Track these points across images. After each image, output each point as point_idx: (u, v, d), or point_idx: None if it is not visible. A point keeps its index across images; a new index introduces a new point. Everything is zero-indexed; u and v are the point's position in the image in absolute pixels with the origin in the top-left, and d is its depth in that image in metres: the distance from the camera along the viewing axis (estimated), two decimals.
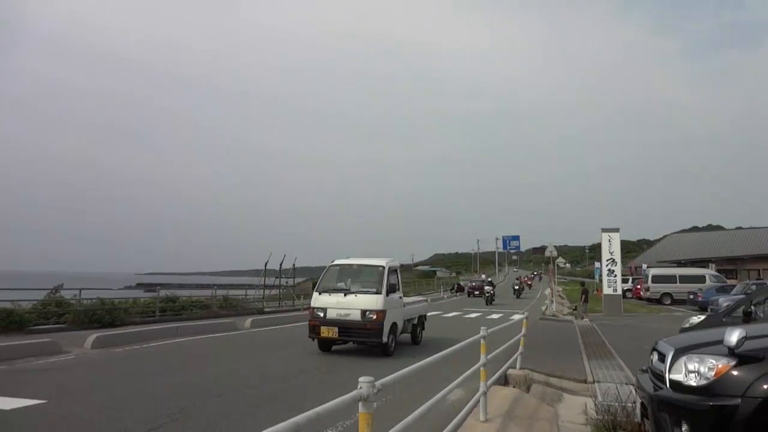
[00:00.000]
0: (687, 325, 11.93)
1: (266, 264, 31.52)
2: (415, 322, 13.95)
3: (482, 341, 6.04)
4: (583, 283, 40.96)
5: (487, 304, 33.58)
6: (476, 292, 42.73)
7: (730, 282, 31.91)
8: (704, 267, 39.31)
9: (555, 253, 32.83)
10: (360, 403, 2.64)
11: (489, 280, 42.23)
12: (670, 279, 34.56)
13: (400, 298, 12.67)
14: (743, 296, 12.40)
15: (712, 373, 4.01)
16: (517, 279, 52.53)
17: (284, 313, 24.16)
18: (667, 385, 4.37)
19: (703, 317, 12.16)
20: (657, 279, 34.93)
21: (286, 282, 33.34)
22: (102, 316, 16.92)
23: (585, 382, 8.83)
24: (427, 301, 17.78)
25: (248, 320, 18.16)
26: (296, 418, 2.04)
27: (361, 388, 2.63)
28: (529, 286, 65.57)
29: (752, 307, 9.76)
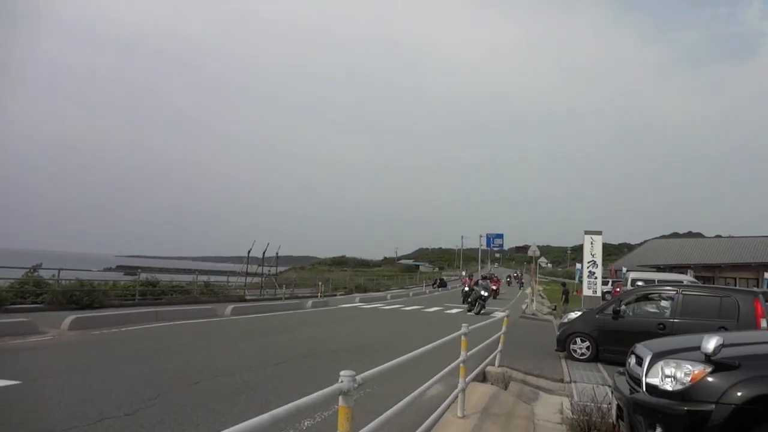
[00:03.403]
0: (566, 320, 12.65)
1: (249, 252, 31.38)
2: None
3: (463, 338, 6.07)
4: (564, 284, 41.40)
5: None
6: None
7: None
8: (683, 273, 39.83)
9: (538, 253, 33.09)
10: (340, 397, 2.63)
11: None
12: (648, 283, 34.98)
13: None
14: None
15: (688, 379, 4.07)
16: (464, 275, 33.66)
17: (266, 302, 24.08)
18: (644, 389, 4.43)
19: (579, 313, 12.93)
20: (636, 282, 35.32)
21: (269, 270, 33.23)
22: (80, 297, 16.74)
23: (562, 381, 8.93)
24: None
25: (229, 307, 18.07)
26: (275, 411, 2.02)
27: (342, 381, 2.62)
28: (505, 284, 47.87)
29: (622, 306, 10.84)
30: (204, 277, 26.90)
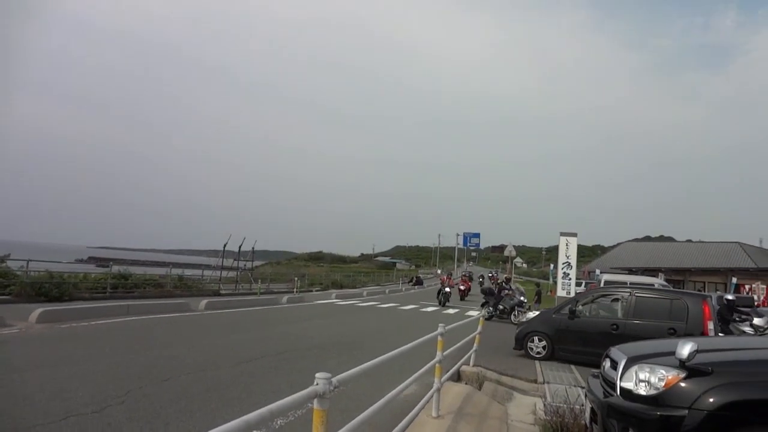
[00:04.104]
0: (524, 319, 13.02)
1: (225, 245, 31.04)
2: None
3: (439, 338, 6.05)
4: (537, 284, 41.81)
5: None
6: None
7: None
8: (654, 276, 40.54)
9: (514, 253, 33.39)
10: (315, 400, 2.57)
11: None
12: (621, 285, 35.48)
13: None
14: None
15: (662, 384, 4.10)
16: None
17: (241, 297, 23.85)
18: (618, 393, 4.46)
19: (537, 313, 13.48)
20: (609, 284, 35.85)
21: (245, 265, 32.95)
22: (49, 289, 16.38)
23: (535, 382, 8.98)
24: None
25: (203, 302, 17.82)
26: (247, 416, 1.95)
27: (317, 384, 2.56)
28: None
29: (579, 306, 11.20)
30: (178, 271, 26.44)
